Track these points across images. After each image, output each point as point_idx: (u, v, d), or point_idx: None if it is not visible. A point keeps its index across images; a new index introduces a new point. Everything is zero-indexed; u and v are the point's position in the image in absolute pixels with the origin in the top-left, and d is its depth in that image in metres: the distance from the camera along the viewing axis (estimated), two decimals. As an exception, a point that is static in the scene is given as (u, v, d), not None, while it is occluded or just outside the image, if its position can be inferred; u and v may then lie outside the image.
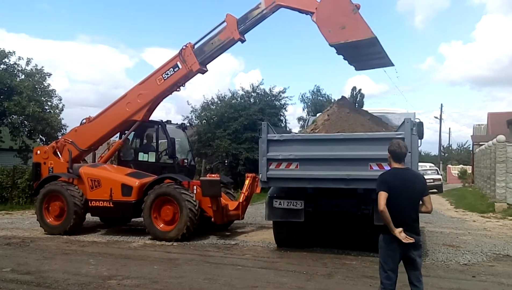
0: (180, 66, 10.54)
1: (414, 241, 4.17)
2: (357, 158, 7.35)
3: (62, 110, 20.51)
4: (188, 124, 12.14)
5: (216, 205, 9.49)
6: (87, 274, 6.74)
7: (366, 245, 8.34)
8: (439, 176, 27.38)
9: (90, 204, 10.44)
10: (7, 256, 8.07)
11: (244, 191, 10.63)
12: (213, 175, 9.73)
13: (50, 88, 20.04)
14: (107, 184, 10.28)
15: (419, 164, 10.11)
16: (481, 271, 7.02)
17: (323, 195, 8.08)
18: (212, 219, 9.77)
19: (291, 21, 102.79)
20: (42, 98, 19.41)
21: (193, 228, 9.51)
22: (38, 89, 19.33)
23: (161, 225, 9.70)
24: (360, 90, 41.29)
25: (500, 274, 6.90)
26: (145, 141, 11.72)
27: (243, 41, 10.33)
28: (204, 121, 23.96)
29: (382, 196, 4.19)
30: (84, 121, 11.75)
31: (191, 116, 24.20)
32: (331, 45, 8.84)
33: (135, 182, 10.15)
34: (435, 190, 25.64)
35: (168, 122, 11.92)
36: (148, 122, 11.43)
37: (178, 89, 11.17)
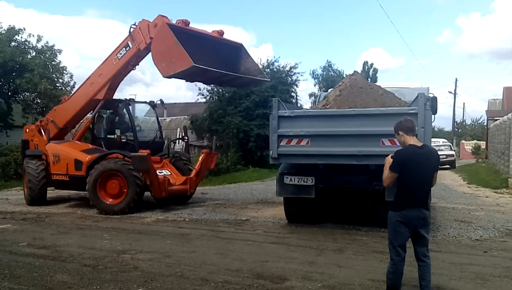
0: (131, 45, 10.55)
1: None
2: (369, 134, 7.27)
3: (74, 87, 20.64)
4: (159, 102, 12.37)
5: (150, 180, 9.84)
6: (102, 248, 6.87)
7: (376, 221, 8.35)
8: (452, 152, 27.06)
9: (52, 178, 11.08)
10: (23, 231, 8.26)
11: (196, 167, 11.08)
12: (144, 151, 9.65)
13: (61, 65, 20.13)
14: (64, 159, 10.92)
15: (432, 139, 9.99)
16: (492, 247, 6.98)
17: (334, 171, 8.03)
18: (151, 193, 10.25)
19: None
20: (54, 75, 19.51)
21: (139, 200, 10.16)
22: (49, 66, 19.41)
23: (109, 200, 10.10)
24: (372, 64, 40.58)
25: (512, 249, 6.87)
26: (117, 118, 12.00)
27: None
28: (216, 97, 23.88)
29: (391, 176, 4.26)
30: (62, 100, 12.43)
31: (204, 91, 24.07)
32: (165, 77, 9.69)
33: (85, 158, 10.63)
34: (448, 166, 25.40)
35: (132, 100, 12.24)
36: (111, 101, 11.64)
37: (133, 68, 11.24)
